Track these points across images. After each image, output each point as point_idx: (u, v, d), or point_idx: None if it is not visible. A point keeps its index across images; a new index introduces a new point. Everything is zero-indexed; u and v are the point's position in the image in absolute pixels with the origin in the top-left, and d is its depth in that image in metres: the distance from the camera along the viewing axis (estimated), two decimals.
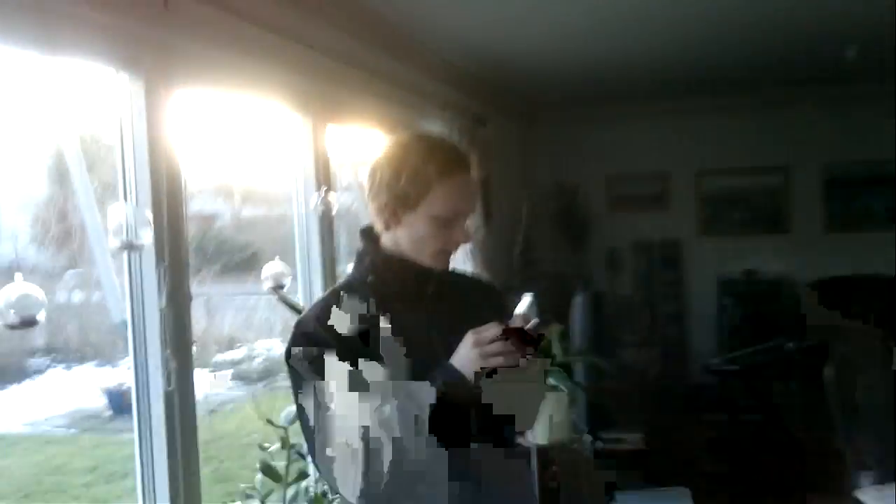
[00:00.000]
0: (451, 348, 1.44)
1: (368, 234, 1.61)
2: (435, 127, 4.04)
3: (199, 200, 3.79)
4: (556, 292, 4.50)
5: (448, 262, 1.59)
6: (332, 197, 2.67)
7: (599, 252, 6.24)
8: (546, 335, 1.54)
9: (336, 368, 1.43)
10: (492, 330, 1.38)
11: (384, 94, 3.36)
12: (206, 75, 2.28)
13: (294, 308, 2.43)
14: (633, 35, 4.16)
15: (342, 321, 1.46)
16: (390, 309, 1.47)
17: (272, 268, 2.29)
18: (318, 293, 2.80)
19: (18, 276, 1.54)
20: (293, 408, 1.55)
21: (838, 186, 5.94)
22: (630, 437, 3.91)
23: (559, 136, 6.19)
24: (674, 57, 4.75)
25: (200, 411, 2.14)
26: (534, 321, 1.42)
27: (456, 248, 1.56)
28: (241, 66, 2.39)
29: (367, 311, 1.47)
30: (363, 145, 3.44)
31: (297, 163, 2.83)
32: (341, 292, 1.52)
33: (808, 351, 4.78)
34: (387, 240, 1.56)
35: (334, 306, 1.48)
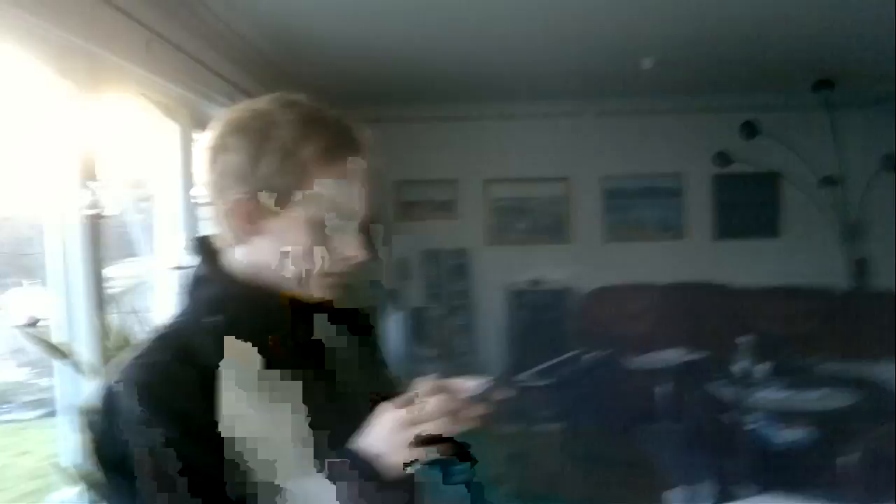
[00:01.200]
0: (343, 427, 0.94)
1: (206, 251, 1.05)
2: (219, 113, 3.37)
3: None
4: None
5: (333, 292, 1.06)
6: (103, 193, 1.95)
7: (387, 261, 5.85)
8: None
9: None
10: (429, 406, 0.89)
11: (168, 65, 2.66)
12: None
13: (56, 351, 1.71)
14: (429, 33, 3.86)
15: (187, 394, 0.91)
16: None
17: (22, 298, 1.56)
18: (84, 330, 2.07)
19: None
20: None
21: (617, 198, 6.11)
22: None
23: None
24: (465, 61, 4.53)
25: None
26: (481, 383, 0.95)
27: (343, 268, 1.03)
28: None
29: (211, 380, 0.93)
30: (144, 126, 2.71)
31: (55, 145, 2.07)
32: (172, 346, 0.96)
33: (602, 363, 4.80)
34: (236, 259, 1.02)
35: (172, 369, 0.93)
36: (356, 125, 1.02)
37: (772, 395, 4.05)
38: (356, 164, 1.00)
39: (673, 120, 5.86)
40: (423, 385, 0.91)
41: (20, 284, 1.98)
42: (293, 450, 0.93)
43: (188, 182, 2.89)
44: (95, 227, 2.11)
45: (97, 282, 2.15)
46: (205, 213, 1.04)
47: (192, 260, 1.04)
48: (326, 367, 1.04)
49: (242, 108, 1.01)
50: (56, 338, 1.95)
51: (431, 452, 0.88)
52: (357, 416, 0.95)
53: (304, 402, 0.96)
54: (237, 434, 0.91)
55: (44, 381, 2.86)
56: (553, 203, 6.13)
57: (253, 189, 0.96)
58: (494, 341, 5.95)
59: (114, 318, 2.15)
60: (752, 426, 4.02)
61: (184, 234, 2.85)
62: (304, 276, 1.00)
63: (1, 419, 3.33)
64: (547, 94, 5.62)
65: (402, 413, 0.88)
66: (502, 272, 6.03)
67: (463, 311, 6.00)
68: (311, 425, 0.95)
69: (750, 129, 5.29)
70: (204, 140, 1.01)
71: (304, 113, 0.99)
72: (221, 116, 1.01)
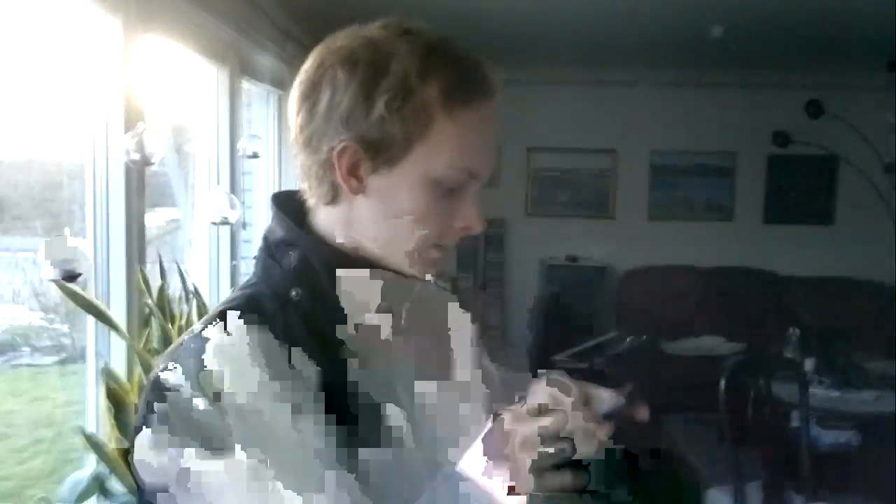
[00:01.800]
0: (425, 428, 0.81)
1: (291, 209, 0.87)
2: (269, 61, 3.18)
3: None
4: None
5: (436, 270, 0.89)
6: (153, 139, 1.78)
7: None
8: None
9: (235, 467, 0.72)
10: (558, 418, 0.71)
11: (219, 2, 2.48)
12: None
13: (93, 308, 1.57)
14: None
15: (246, 378, 0.75)
16: (332, 351, 0.80)
17: (58, 248, 1.41)
18: (121, 284, 1.92)
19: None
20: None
21: (663, 174, 5.88)
22: None
23: None
24: (512, 21, 4.30)
25: None
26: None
27: (455, 240, 0.86)
28: None
29: (290, 359, 0.77)
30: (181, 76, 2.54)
31: (97, 85, 1.91)
32: (240, 318, 0.78)
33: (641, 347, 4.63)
34: (329, 221, 0.85)
35: (230, 345, 0.76)
36: (487, 63, 0.83)
37: (820, 393, 3.85)
38: (488, 110, 0.81)
39: (730, 95, 5.59)
40: (561, 388, 0.73)
41: (50, 230, 1.83)
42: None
43: (234, 132, 2.73)
44: (138, 175, 1.95)
45: (139, 232, 2.01)
46: (299, 163, 0.86)
47: (275, 219, 0.87)
48: (423, 362, 0.88)
49: (349, 35, 0.82)
50: (92, 291, 1.81)
51: (561, 480, 0.71)
52: (460, 423, 0.78)
53: (403, 405, 0.80)
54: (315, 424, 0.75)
55: (62, 328, 2.75)
56: (597, 176, 5.91)
57: (361, 135, 0.78)
58: (526, 317, 5.78)
59: (152, 272, 2.01)
60: (798, 425, 3.84)
61: (226, 186, 2.70)
62: (411, 248, 0.82)
63: (17, 363, 3.24)
64: (598, 61, 5.37)
65: (532, 427, 0.70)
66: (540, 245, 5.85)
67: (497, 283, 5.83)
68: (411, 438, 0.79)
69: (816, 108, 5.01)
70: (300, 74, 0.84)
71: (428, 44, 0.80)
72: (322, 46, 0.83)
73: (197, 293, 2.03)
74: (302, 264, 0.83)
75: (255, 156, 2.74)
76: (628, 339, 4.57)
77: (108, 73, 1.92)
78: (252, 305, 0.80)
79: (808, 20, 3.99)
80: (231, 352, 0.75)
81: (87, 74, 1.95)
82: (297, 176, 0.87)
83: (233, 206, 2.37)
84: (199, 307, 1.97)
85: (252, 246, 3.51)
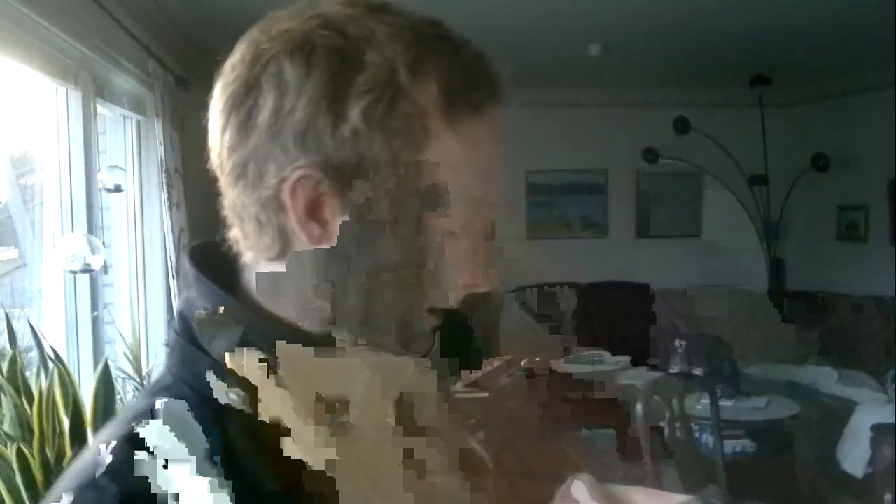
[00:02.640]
0: None
1: (216, 270, 0.61)
2: (127, 82, 2.82)
3: None
4: None
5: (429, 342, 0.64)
6: None
7: None
8: None
9: None
10: None
11: (71, 15, 2.13)
12: None
13: None
14: None
15: None
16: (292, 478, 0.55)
17: None
18: None
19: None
20: None
21: (539, 193, 5.88)
22: None
23: None
24: None
25: None
26: None
27: (455, 302, 0.63)
28: None
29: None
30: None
31: None
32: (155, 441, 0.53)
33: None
34: (274, 285, 0.60)
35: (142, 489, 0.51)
36: (491, 57, 0.61)
37: (708, 402, 3.90)
38: (499, 119, 0.60)
39: (601, 114, 5.69)
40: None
41: None
42: None
43: (90, 163, 2.36)
44: None
45: None
46: (227, 202, 0.61)
47: (196, 286, 0.61)
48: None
49: (296, 14, 0.57)
50: None
51: None
52: None
53: None
54: None
55: None
56: None
57: (325, 159, 0.54)
58: None
59: None
60: (695, 435, 3.87)
61: (83, 226, 2.32)
62: (399, 316, 0.59)
63: None
64: None
65: None
66: None
67: None
68: None
69: (684, 125, 5.16)
70: (225, 73, 0.58)
71: (414, 25, 0.57)
72: (256, 31, 0.58)
73: (58, 358, 1.67)
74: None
75: (117, 189, 2.38)
76: (523, 361, 4.47)
77: None
78: (171, 418, 0.54)
79: (675, 39, 4.08)
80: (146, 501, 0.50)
81: None
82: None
83: (95, 251, 2.03)
84: (60, 376, 1.62)
85: (114, 291, 3.09)
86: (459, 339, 0.67)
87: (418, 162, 0.55)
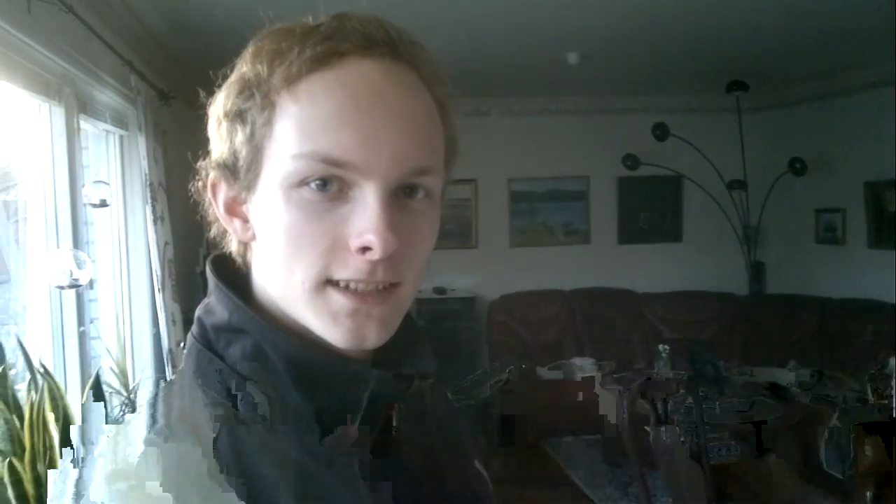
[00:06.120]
0: None
1: (236, 279, 0.66)
2: (109, 97, 2.83)
3: None
4: None
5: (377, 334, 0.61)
6: None
7: None
8: None
9: None
10: None
11: (54, 31, 2.14)
12: None
13: None
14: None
15: None
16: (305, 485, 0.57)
17: None
18: None
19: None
20: None
21: (521, 201, 5.92)
22: None
23: None
24: None
25: None
26: None
27: (365, 272, 0.58)
28: None
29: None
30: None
31: None
32: (170, 450, 0.56)
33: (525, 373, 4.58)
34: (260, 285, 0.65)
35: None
36: (371, 17, 0.61)
37: (694, 405, 3.93)
38: (356, 70, 0.58)
39: (581, 121, 5.74)
40: None
41: None
42: None
43: (75, 178, 2.36)
44: None
45: None
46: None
47: (215, 293, 0.64)
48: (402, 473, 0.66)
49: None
50: None
51: None
52: None
53: None
54: None
55: None
56: (459, 206, 5.84)
57: (218, 159, 0.62)
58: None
59: None
60: (680, 438, 3.90)
61: (69, 242, 2.32)
62: (297, 292, 0.59)
63: None
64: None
65: None
66: None
67: None
68: None
69: (663, 131, 5.22)
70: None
71: (272, 29, 0.61)
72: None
73: (47, 373, 1.68)
74: (256, 358, 0.60)
75: (103, 204, 2.39)
76: (508, 370, 4.49)
77: None
78: (184, 425, 0.56)
79: (653, 47, 4.13)
80: None
81: None
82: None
83: (81, 265, 2.03)
84: (50, 391, 1.62)
85: (99, 306, 3.09)
86: (410, 343, 0.68)
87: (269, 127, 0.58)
